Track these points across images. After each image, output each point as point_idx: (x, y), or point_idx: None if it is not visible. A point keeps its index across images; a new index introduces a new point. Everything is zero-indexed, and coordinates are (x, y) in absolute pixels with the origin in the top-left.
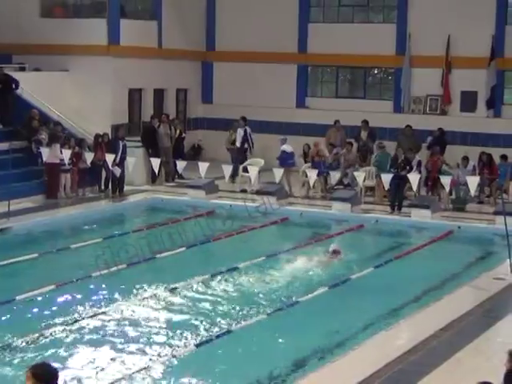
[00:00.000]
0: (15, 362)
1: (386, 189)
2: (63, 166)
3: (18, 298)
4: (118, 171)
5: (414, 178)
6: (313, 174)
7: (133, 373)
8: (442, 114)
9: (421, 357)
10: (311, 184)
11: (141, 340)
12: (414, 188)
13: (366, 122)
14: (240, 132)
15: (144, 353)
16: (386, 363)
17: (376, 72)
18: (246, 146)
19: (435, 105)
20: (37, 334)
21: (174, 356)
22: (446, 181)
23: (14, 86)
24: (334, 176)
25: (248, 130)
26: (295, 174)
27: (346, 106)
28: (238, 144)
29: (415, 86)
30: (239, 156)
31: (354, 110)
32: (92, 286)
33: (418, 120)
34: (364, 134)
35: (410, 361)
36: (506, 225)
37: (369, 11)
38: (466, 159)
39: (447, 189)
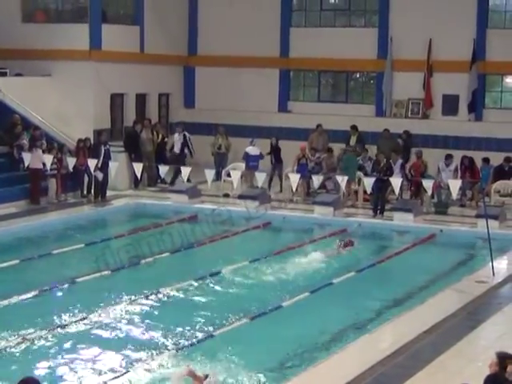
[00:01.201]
0: None
1: (369, 193)
2: (48, 172)
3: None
4: (100, 176)
5: (396, 181)
6: (295, 178)
7: (113, 378)
8: (423, 118)
9: (404, 360)
10: (293, 188)
11: (122, 345)
12: (397, 192)
13: (354, 128)
14: (178, 138)
15: (125, 358)
16: (369, 366)
17: (358, 76)
18: (185, 151)
19: (417, 108)
20: (19, 340)
21: (153, 360)
22: (428, 184)
23: None
24: (317, 180)
25: (187, 135)
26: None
27: (328, 110)
28: (176, 150)
29: (397, 90)
30: (177, 163)
31: (336, 114)
32: (75, 292)
33: (400, 124)
34: (353, 140)
35: (393, 364)
36: (487, 228)
37: (350, 15)
38: (449, 157)
39: (429, 192)
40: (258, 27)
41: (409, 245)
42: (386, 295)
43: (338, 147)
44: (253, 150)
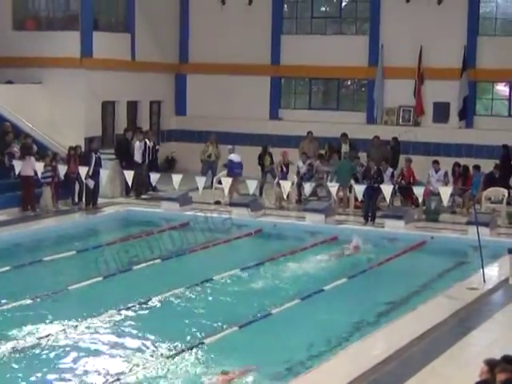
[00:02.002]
0: None
1: (360, 200)
2: (45, 179)
3: None
4: (91, 184)
5: (387, 189)
6: (286, 185)
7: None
8: (414, 125)
9: (395, 367)
10: (285, 195)
11: (113, 353)
12: (388, 199)
13: (345, 135)
14: (139, 146)
15: (117, 365)
16: (360, 374)
17: (349, 83)
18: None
19: (408, 116)
20: (10, 346)
21: (145, 368)
22: (419, 191)
23: None
24: (308, 187)
25: (148, 143)
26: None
27: (319, 118)
28: (137, 159)
29: (388, 98)
30: (141, 171)
31: (327, 121)
32: (67, 299)
33: (391, 131)
34: (345, 147)
35: (384, 371)
36: (478, 235)
37: (341, 23)
38: (436, 163)
39: (420, 199)
40: (249, 35)
41: (400, 252)
42: (377, 302)
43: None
44: (236, 157)
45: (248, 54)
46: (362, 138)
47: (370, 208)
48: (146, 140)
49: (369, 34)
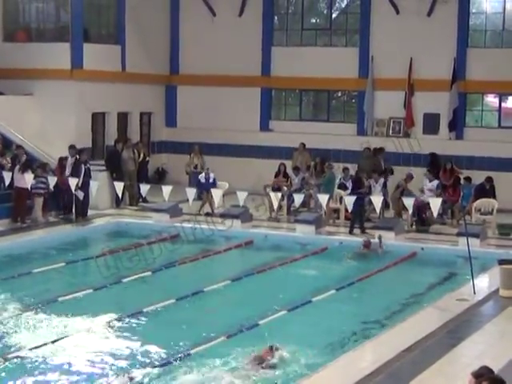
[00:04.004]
0: None
1: (350, 211)
2: (36, 190)
3: None
4: (81, 195)
5: (377, 199)
6: (276, 197)
7: None
8: (404, 137)
9: (384, 379)
10: (275, 206)
11: (103, 365)
12: (378, 210)
13: (381, 149)
14: (70, 161)
15: (107, 376)
16: None
17: (339, 95)
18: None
19: (398, 127)
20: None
21: (131, 379)
22: (409, 202)
23: None
24: (299, 199)
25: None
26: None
27: (310, 129)
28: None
29: (378, 109)
30: (68, 189)
31: (317, 132)
32: (56, 311)
33: (380, 143)
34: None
35: (373, 383)
36: (468, 246)
37: (331, 35)
38: (430, 172)
39: (410, 210)
40: (240, 46)
41: (390, 263)
42: (366, 314)
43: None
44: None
45: (238, 66)
46: (353, 149)
47: (357, 219)
48: (77, 156)
49: (359, 45)
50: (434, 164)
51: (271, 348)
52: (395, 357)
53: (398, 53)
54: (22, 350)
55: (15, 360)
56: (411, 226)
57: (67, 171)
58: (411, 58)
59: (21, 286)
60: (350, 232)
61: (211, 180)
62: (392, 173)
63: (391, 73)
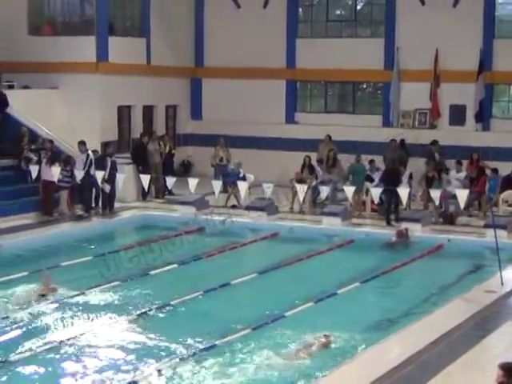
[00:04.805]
0: None
1: (376, 203)
2: (62, 183)
3: (12, 315)
4: (107, 188)
5: (403, 191)
6: (302, 189)
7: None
8: (430, 128)
9: (411, 371)
10: (301, 199)
11: (130, 356)
12: (404, 202)
13: (436, 142)
14: (81, 158)
15: (134, 367)
16: (376, 378)
17: (365, 86)
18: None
19: (424, 119)
20: (25, 354)
21: (159, 370)
22: (435, 194)
23: (4, 104)
24: (325, 190)
25: (90, 155)
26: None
27: (335, 121)
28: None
29: (404, 100)
30: (81, 187)
31: (343, 124)
32: (84, 304)
33: (406, 134)
34: (437, 156)
35: (400, 375)
36: (496, 238)
37: (357, 26)
38: (459, 163)
39: (437, 202)
40: (265, 38)
41: (417, 255)
42: (394, 306)
43: (344, 158)
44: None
45: (263, 58)
46: (378, 141)
47: (392, 210)
48: (89, 152)
49: (384, 36)
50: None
51: (321, 336)
52: (423, 349)
53: (424, 44)
54: (51, 343)
55: (44, 353)
56: (438, 217)
57: (77, 167)
58: (437, 49)
59: (50, 278)
60: (388, 223)
61: (241, 174)
62: (447, 170)
63: (417, 64)
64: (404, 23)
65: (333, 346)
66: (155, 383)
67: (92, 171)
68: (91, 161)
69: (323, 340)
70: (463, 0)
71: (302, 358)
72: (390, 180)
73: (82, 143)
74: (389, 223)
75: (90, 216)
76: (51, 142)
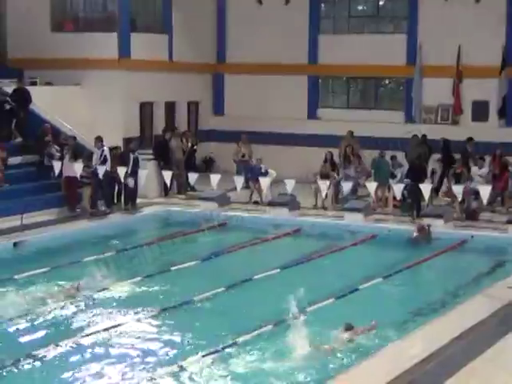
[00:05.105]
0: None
1: (398, 198)
2: (84, 179)
3: (36, 310)
4: (131, 183)
5: (426, 187)
6: (324, 185)
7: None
8: (453, 124)
9: (434, 366)
10: (323, 195)
11: (152, 351)
12: (427, 198)
13: (471, 140)
14: (97, 153)
15: (157, 362)
16: (399, 373)
17: (387, 82)
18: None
19: (447, 114)
20: (49, 347)
21: (180, 366)
22: (458, 190)
23: (27, 100)
24: (347, 186)
25: (106, 151)
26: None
27: (358, 117)
28: (94, 165)
29: (426, 96)
30: (99, 183)
31: (365, 120)
32: (105, 299)
33: (429, 130)
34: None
35: (423, 370)
36: None
37: (379, 22)
38: (482, 159)
39: (460, 198)
40: (287, 34)
41: (439, 251)
42: (415, 302)
43: (366, 154)
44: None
45: (285, 54)
46: (401, 136)
47: (416, 205)
48: (104, 147)
49: (407, 32)
50: (446, 150)
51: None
52: (446, 345)
53: (446, 39)
54: (74, 338)
55: (67, 348)
56: (461, 213)
57: (94, 162)
58: (459, 45)
59: (71, 274)
60: (413, 218)
61: (263, 170)
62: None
63: (439, 60)
64: (426, 19)
65: (356, 340)
66: (177, 379)
67: (108, 167)
68: (105, 157)
69: (349, 333)
70: None
71: (327, 352)
72: (415, 176)
73: (98, 139)
74: (413, 219)
75: (110, 211)
76: (74, 138)
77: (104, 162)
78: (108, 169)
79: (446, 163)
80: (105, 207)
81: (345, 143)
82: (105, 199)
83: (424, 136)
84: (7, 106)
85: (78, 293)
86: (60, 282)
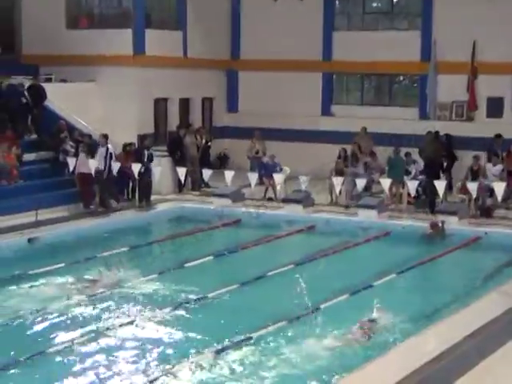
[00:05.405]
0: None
1: (413, 195)
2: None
3: (51, 307)
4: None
5: (440, 184)
6: (339, 182)
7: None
8: (468, 120)
9: (447, 364)
10: (337, 191)
11: (164, 348)
12: (441, 194)
13: (500, 136)
14: (101, 152)
15: (168, 358)
16: (412, 371)
17: (401, 79)
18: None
19: (461, 111)
20: (68, 344)
21: (192, 363)
22: (473, 186)
23: (42, 97)
24: (361, 183)
25: (110, 149)
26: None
27: (372, 114)
28: (100, 166)
29: (441, 93)
30: (102, 183)
31: (379, 117)
32: (120, 296)
33: (443, 126)
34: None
35: (435, 368)
36: None
37: (393, 18)
38: (496, 155)
39: (474, 194)
40: (301, 31)
41: (453, 247)
42: (430, 298)
43: (380, 150)
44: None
45: (300, 50)
46: (415, 133)
47: (431, 201)
48: (109, 145)
49: (421, 29)
50: (448, 146)
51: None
52: (459, 342)
53: (461, 36)
54: (88, 334)
55: (81, 343)
56: (475, 210)
57: (97, 160)
58: (474, 41)
59: (86, 270)
60: (432, 212)
61: (277, 167)
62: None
63: (454, 56)
64: (441, 15)
65: (371, 336)
66: (190, 375)
67: (112, 164)
68: (111, 154)
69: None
70: None
71: (348, 343)
72: (432, 172)
73: (103, 136)
74: (431, 212)
75: (120, 208)
76: (90, 136)
77: (110, 159)
78: (113, 166)
79: (449, 159)
80: (115, 203)
81: (360, 140)
82: (113, 196)
83: (437, 132)
84: (23, 100)
85: (93, 289)
86: (75, 278)
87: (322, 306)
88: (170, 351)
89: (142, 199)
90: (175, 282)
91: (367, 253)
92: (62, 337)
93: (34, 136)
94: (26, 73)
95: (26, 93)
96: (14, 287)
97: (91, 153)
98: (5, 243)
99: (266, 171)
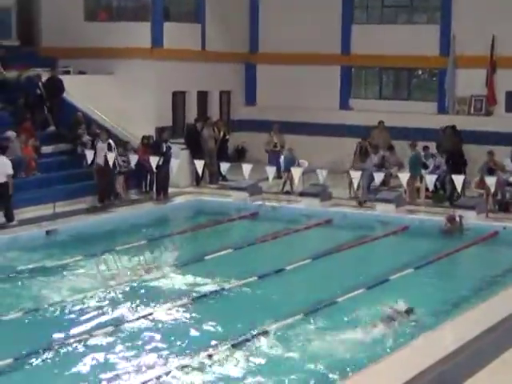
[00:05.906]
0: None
1: (430, 190)
2: (118, 168)
3: (69, 299)
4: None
5: (458, 178)
6: (356, 175)
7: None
8: (487, 115)
9: (465, 358)
10: (355, 185)
11: (182, 340)
12: (459, 189)
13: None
14: (101, 146)
15: (186, 350)
16: (429, 365)
17: (420, 73)
18: (116, 163)
19: (480, 105)
20: (85, 336)
21: (210, 355)
22: (491, 181)
23: (61, 89)
24: (379, 177)
25: (112, 144)
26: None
27: (390, 107)
28: (99, 161)
29: (460, 87)
30: (103, 177)
31: (397, 111)
32: (139, 289)
33: (462, 121)
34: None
35: (455, 362)
36: None
37: (412, 12)
38: None
39: (493, 189)
40: (320, 24)
41: (471, 242)
42: (448, 293)
43: (398, 144)
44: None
45: (318, 44)
46: (434, 127)
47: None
48: (110, 140)
49: (440, 23)
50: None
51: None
52: (477, 337)
53: (480, 30)
54: (107, 326)
55: (100, 336)
56: (493, 205)
57: (100, 154)
58: (493, 36)
59: (104, 263)
60: (451, 204)
61: (295, 160)
62: None
63: (473, 50)
64: (460, 9)
65: (389, 331)
66: (207, 367)
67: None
68: (114, 148)
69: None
70: None
71: (371, 332)
72: (455, 165)
73: (106, 131)
74: (453, 203)
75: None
76: (107, 130)
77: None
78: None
79: None
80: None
81: (379, 134)
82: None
83: (454, 126)
84: (38, 91)
85: (111, 281)
86: (93, 271)
87: (340, 300)
88: (187, 343)
89: (159, 192)
90: (193, 275)
91: (385, 247)
92: (79, 328)
93: (52, 128)
94: (44, 65)
95: (40, 84)
96: (32, 279)
97: (110, 145)
98: (24, 235)
99: (285, 165)
